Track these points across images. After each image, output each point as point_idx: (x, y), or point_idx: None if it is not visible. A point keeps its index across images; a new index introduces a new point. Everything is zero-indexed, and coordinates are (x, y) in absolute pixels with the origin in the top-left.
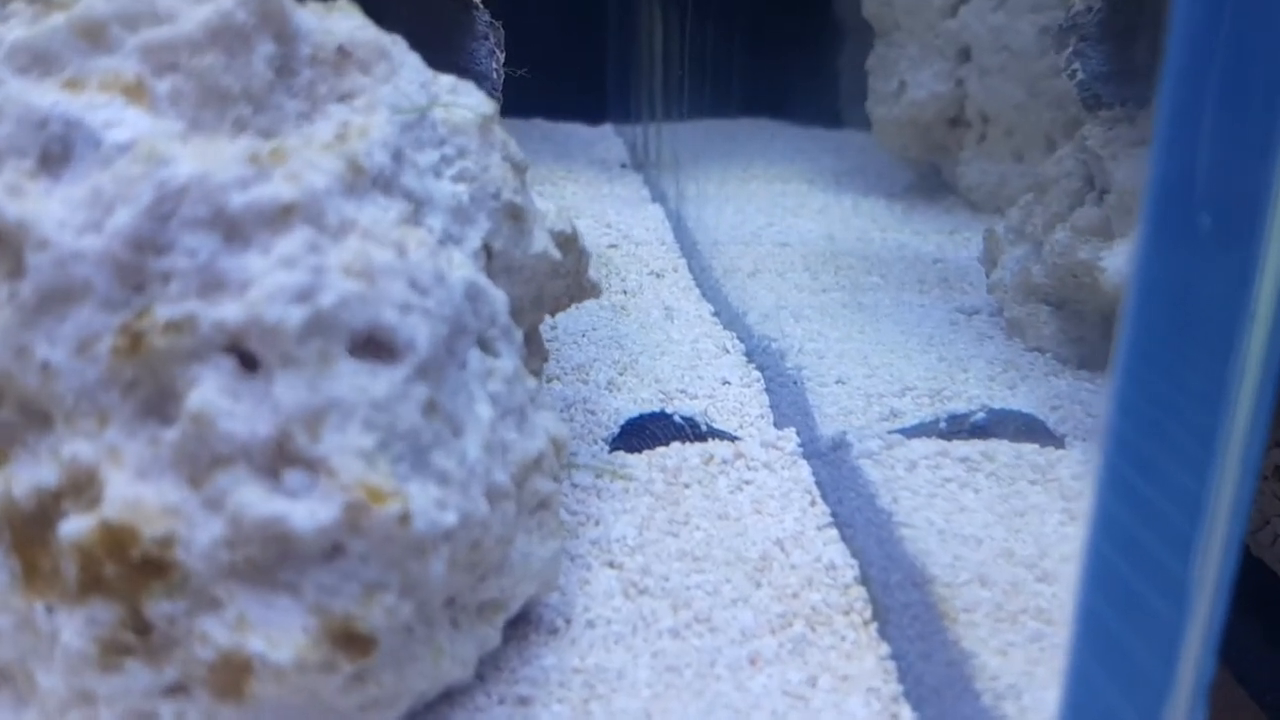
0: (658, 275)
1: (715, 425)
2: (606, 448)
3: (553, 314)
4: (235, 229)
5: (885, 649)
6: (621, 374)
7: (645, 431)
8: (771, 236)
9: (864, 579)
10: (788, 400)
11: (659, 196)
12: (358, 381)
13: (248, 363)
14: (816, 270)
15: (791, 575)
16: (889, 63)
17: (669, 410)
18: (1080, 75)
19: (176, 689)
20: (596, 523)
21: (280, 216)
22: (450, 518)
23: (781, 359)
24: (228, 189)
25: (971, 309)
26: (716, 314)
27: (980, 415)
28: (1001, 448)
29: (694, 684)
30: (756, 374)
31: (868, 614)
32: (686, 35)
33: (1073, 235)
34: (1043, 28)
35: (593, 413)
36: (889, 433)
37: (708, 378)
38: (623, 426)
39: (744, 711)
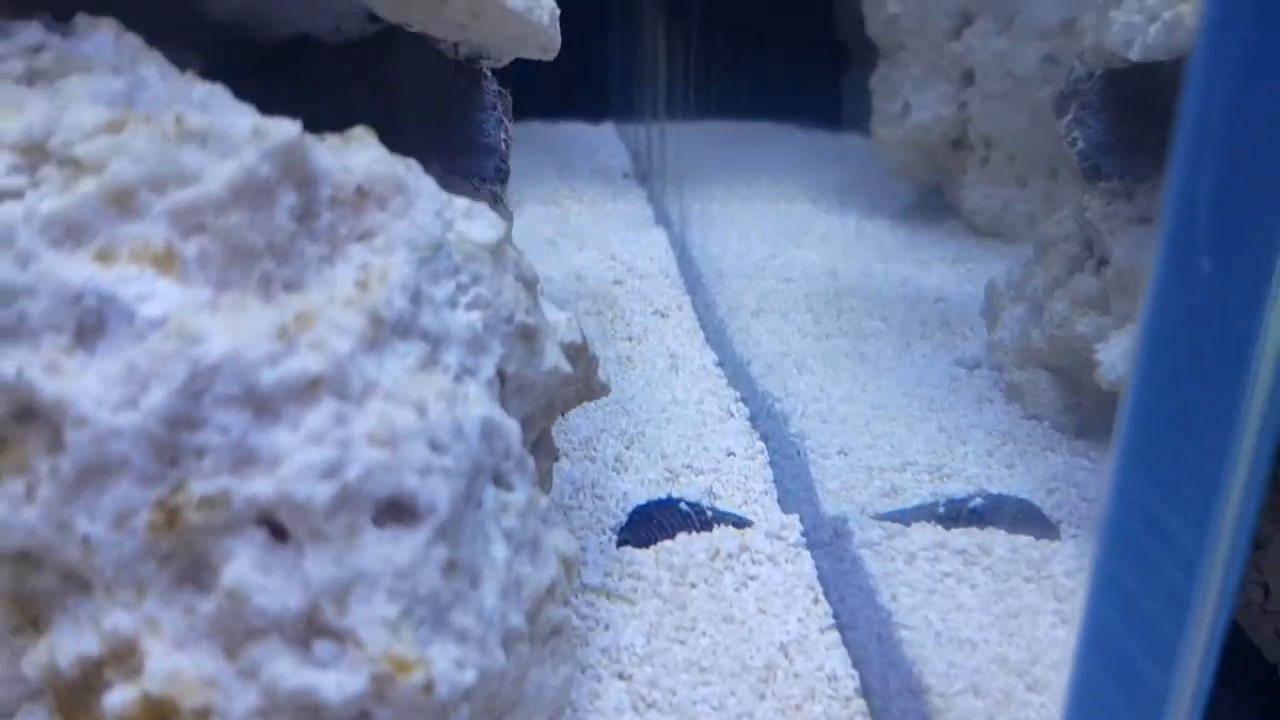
0: (662, 315)
1: (720, 508)
2: (614, 538)
3: (563, 414)
4: (265, 405)
5: None
6: (628, 448)
7: (652, 521)
8: (775, 270)
9: (864, 690)
10: (791, 474)
11: (662, 218)
12: (382, 551)
13: (278, 532)
14: (819, 312)
15: (795, 686)
16: (893, 83)
17: (675, 495)
18: (1080, 144)
19: None
20: (606, 628)
21: (308, 390)
22: (470, 676)
23: (785, 423)
24: (258, 366)
25: (973, 361)
26: (720, 364)
27: (978, 501)
28: (998, 539)
29: None
30: (760, 444)
31: None
32: (692, 35)
33: (1071, 307)
34: (1046, 55)
35: (600, 498)
36: (888, 514)
37: (713, 449)
38: (630, 515)
39: None
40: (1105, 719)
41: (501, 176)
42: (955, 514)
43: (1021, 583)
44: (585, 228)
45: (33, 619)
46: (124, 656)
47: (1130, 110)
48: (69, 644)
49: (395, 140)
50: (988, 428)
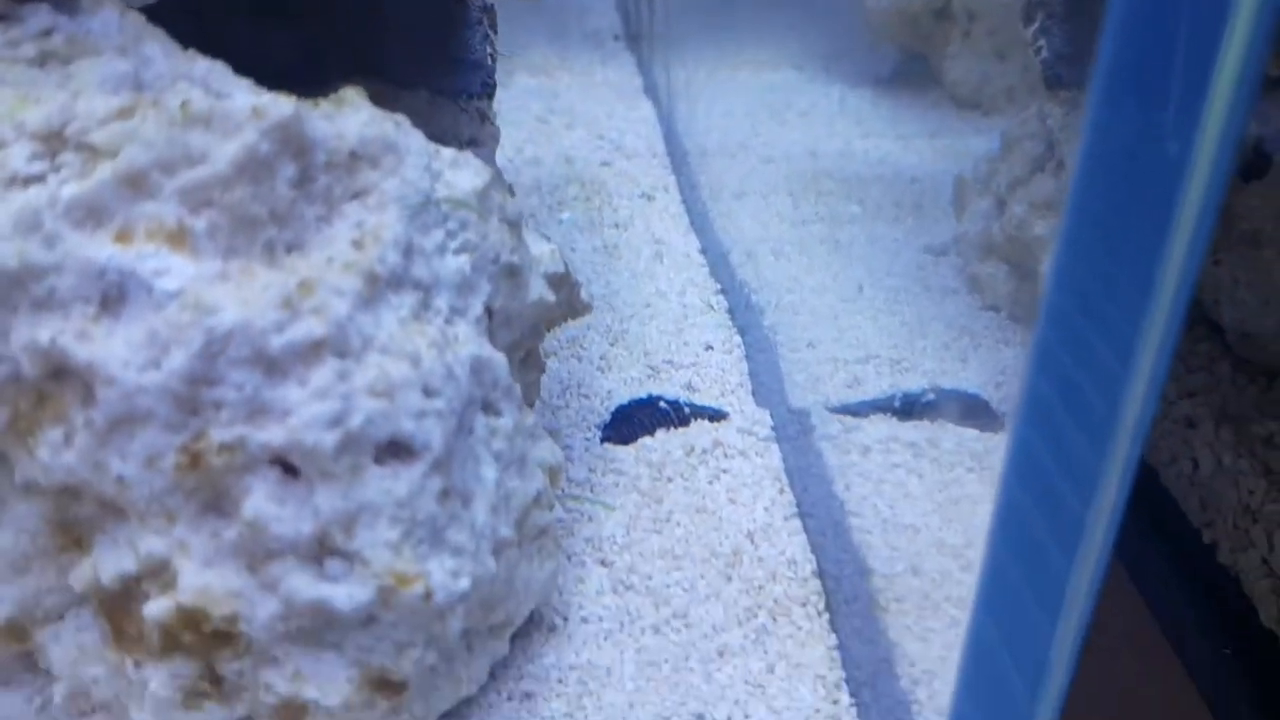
0: (649, 198)
1: (697, 403)
2: (598, 435)
3: (548, 331)
4: (274, 365)
5: (834, 639)
6: (612, 345)
7: (633, 419)
8: (757, 150)
9: (820, 572)
10: (765, 367)
11: (651, 88)
12: (383, 485)
13: (290, 470)
14: (799, 195)
15: (758, 569)
16: None
17: (655, 394)
18: (1045, 53)
19: None
20: (590, 520)
21: (312, 351)
22: (464, 584)
23: (760, 316)
24: (266, 333)
25: (941, 248)
26: (704, 251)
27: (930, 396)
28: (946, 433)
29: (670, 677)
30: (738, 338)
31: (821, 605)
32: None
33: (1029, 210)
34: None
35: (586, 397)
36: (848, 407)
37: (693, 343)
38: (613, 414)
39: (711, 702)
40: (1012, 595)
41: (489, 92)
42: (909, 407)
43: (964, 473)
44: (575, 102)
45: (76, 540)
46: (159, 573)
47: (1093, 22)
48: (110, 563)
49: (383, 64)
50: (947, 320)
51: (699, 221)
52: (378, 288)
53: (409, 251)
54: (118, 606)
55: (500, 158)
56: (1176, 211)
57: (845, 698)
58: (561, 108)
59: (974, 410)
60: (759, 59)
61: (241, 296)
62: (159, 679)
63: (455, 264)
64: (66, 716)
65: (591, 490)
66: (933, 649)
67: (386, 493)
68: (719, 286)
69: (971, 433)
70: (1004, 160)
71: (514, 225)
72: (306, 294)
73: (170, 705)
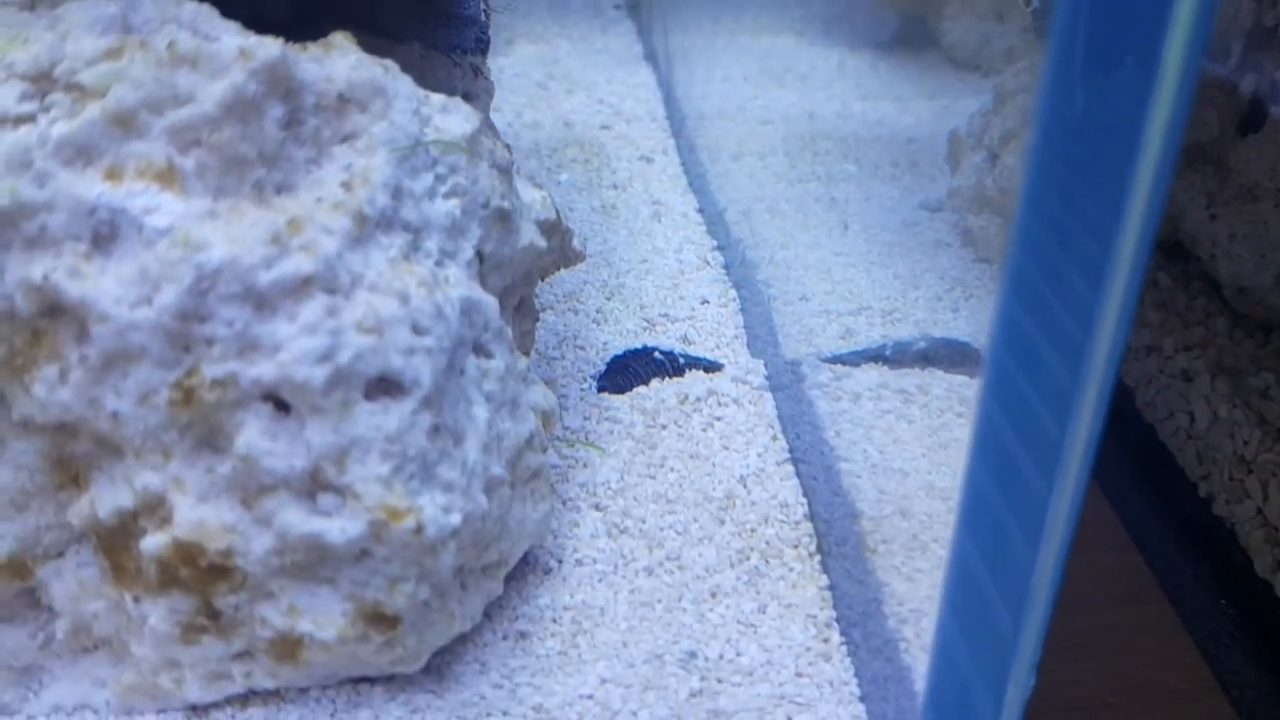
0: (648, 160)
1: (692, 354)
2: (594, 385)
3: (543, 279)
4: (264, 301)
5: (825, 580)
6: (609, 299)
7: (629, 370)
8: (755, 112)
9: (812, 515)
10: (760, 319)
11: (651, 54)
12: (373, 420)
13: (281, 406)
14: (795, 156)
15: (751, 513)
16: None
17: (650, 345)
18: (1035, 3)
19: (244, 655)
20: (585, 466)
21: (301, 287)
22: (455, 520)
23: (755, 271)
24: (255, 269)
25: (936, 204)
26: (701, 210)
27: (921, 344)
28: (936, 379)
29: (663, 617)
30: (733, 291)
31: (813, 547)
32: None
33: (1021, 160)
34: None
35: (582, 348)
36: (840, 357)
37: (689, 297)
38: (608, 364)
39: (703, 640)
40: (992, 521)
41: (482, 47)
42: (900, 356)
43: (953, 418)
44: (575, 69)
45: (74, 477)
46: (155, 508)
47: None
48: (107, 499)
49: (376, 18)
50: (940, 272)
51: (697, 182)
52: (366, 228)
53: (398, 194)
54: (116, 542)
55: (499, 122)
56: (1141, 138)
57: (836, 636)
58: (561, 74)
59: (965, 357)
60: (759, 24)
61: (230, 234)
62: (157, 614)
63: (445, 208)
64: (69, 652)
65: (586, 438)
66: (920, 589)
67: (377, 428)
68: (715, 244)
69: (961, 379)
70: (997, 114)
71: (504, 171)
72: (295, 231)
73: (169, 640)
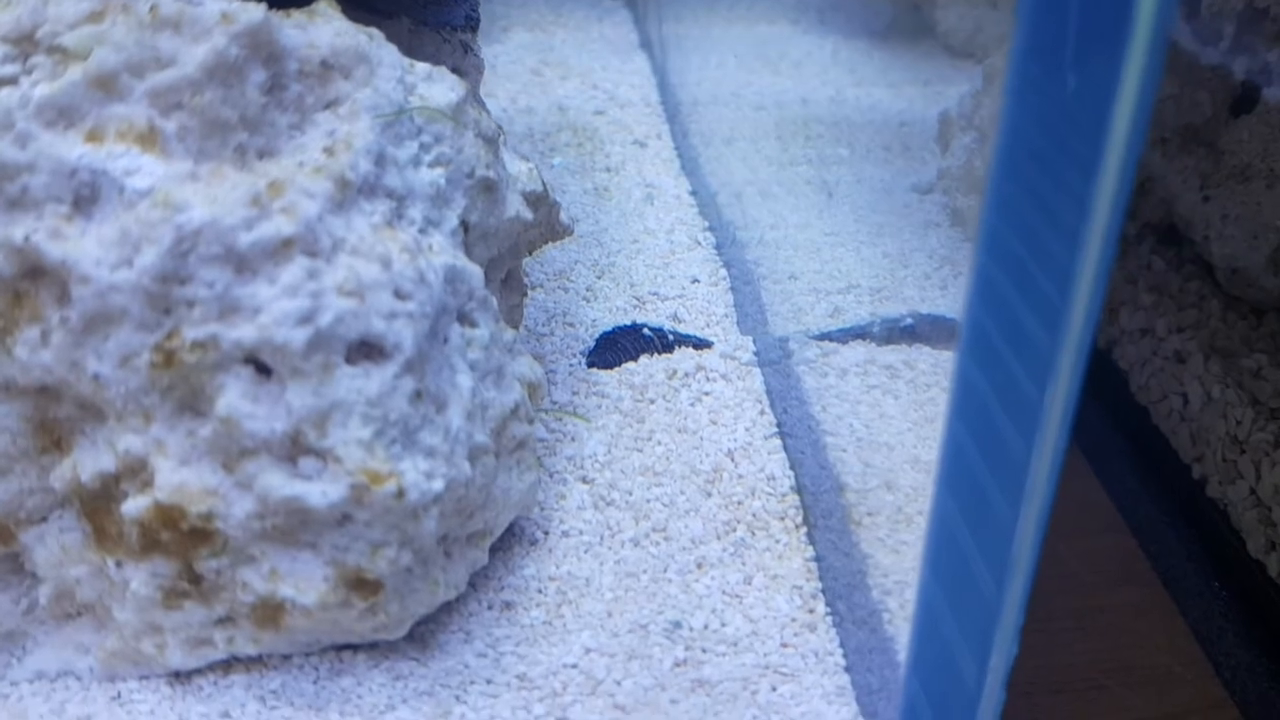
0: (641, 145)
1: (681, 331)
2: (583, 361)
3: (531, 254)
4: (244, 263)
5: (811, 551)
6: (599, 278)
7: (617, 345)
8: (749, 98)
9: (799, 488)
10: (749, 298)
11: (646, 42)
12: (355, 384)
13: (262, 369)
14: (788, 140)
15: (738, 485)
16: None
17: (639, 322)
18: None
19: (226, 621)
20: (572, 439)
21: (281, 249)
22: (438, 485)
23: (745, 251)
24: (235, 230)
25: (926, 186)
26: (694, 193)
27: (909, 321)
28: (923, 355)
29: (649, 587)
30: (723, 271)
31: (799, 520)
32: None
33: None
34: None
35: (571, 325)
36: (828, 334)
37: (679, 276)
38: (597, 340)
39: (688, 611)
40: (971, 483)
41: (472, 25)
42: (888, 333)
43: (939, 393)
44: (570, 55)
45: (56, 441)
46: (137, 472)
47: None
48: (89, 462)
49: None
50: (929, 251)
51: (690, 166)
52: (349, 193)
53: (381, 161)
54: (98, 506)
55: (494, 107)
56: (1110, 110)
57: (821, 607)
58: (556, 60)
59: (952, 334)
60: (753, 13)
61: (211, 195)
62: (139, 578)
63: (429, 176)
64: (52, 618)
65: (574, 410)
66: (905, 560)
67: (358, 392)
68: (707, 225)
69: (947, 354)
70: (986, 94)
71: (490, 141)
72: (276, 194)
73: (151, 604)
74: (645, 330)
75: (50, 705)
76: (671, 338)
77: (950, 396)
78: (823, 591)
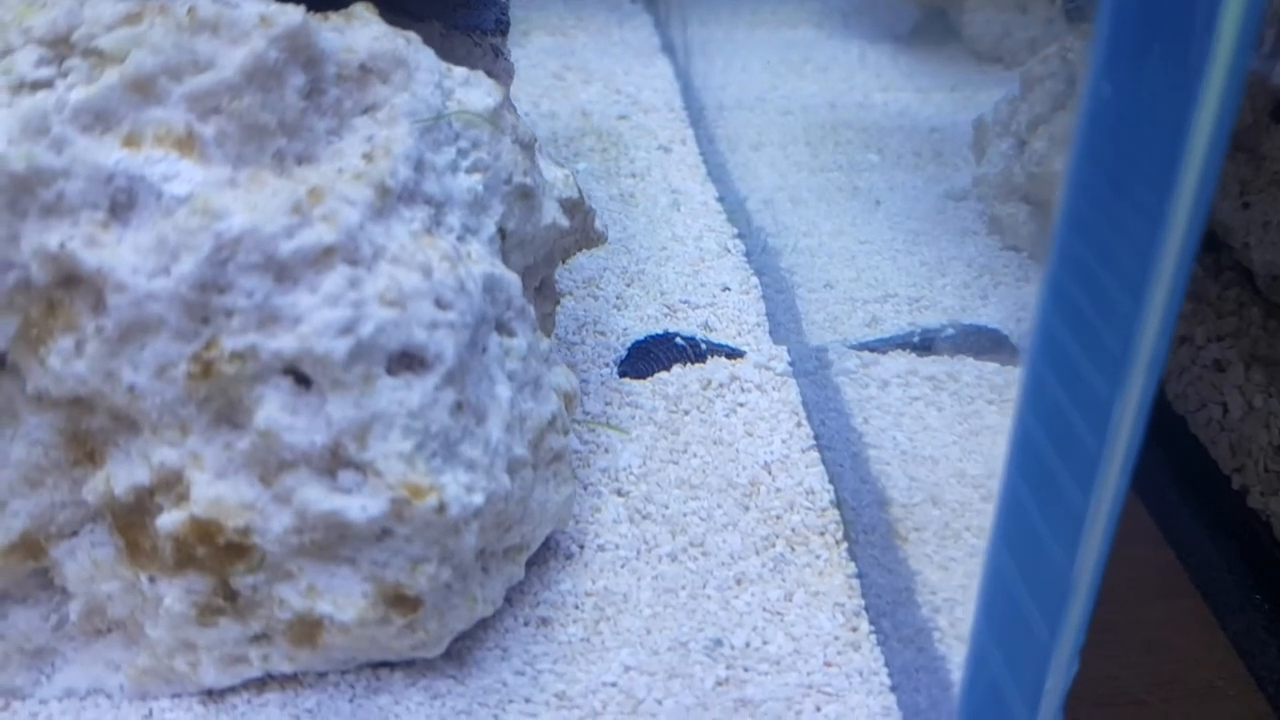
0: (666, 150)
1: (713, 340)
2: (615, 370)
3: (564, 262)
4: (285, 271)
5: (853, 568)
6: (629, 286)
7: (650, 355)
8: (775, 102)
9: (838, 502)
10: (782, 307)
11: (668, 46)
12: (396, 395)
13: (302, 380)
14: (817, 145)
15: (776, 499)
16: None
17: (672, 330)
18: None
19: (261, 638)
20: (606, 451)
21: (322, 258)
22: (478, 499)
23: (777, 258)
24: (276, 238)
25: (961, 193)
26: (721, 199)
27: (950, 331)
28: (966, 366)
29: (688, 604)
30: (755, 279)
31: (840, 535)
32: None
33: (1051, 145)
34: None
35: (602, 334)
36: (867, 344)
37: (709, 284)
38: (629, 350)
39: (729, 628)
40: (1029, 529)
41: (502, 29)
42: (929, 343)
43: (984, 405)
44: (591, 60)
45: (89, 454)
46: (172, 485)
47: None
48: (123, 475)
49: None
50: (968, 259)
51: (716, 172)
52: (389, 200)
53: (420, 167)
54: (131, 520)
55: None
56: (1186, 142)
57: (865, 625)
58: (578, 65)
59: (994, 345)
60: (777, 17)
61: (251, 202)
62: (174, 594)
63: (467, 182)
64: (82, 634)
65: (608, 423)
66: (954, 577)
67: (399, 403)
68: (736, 231)
69: (992, 366)
70: (1024, 100)
71: (527, 147)
72: (316, 201)
73: (185, 621)
74: (678, 339)
75: None
76: (704, 347)
77: (1009, 444)
78: (865, 609)
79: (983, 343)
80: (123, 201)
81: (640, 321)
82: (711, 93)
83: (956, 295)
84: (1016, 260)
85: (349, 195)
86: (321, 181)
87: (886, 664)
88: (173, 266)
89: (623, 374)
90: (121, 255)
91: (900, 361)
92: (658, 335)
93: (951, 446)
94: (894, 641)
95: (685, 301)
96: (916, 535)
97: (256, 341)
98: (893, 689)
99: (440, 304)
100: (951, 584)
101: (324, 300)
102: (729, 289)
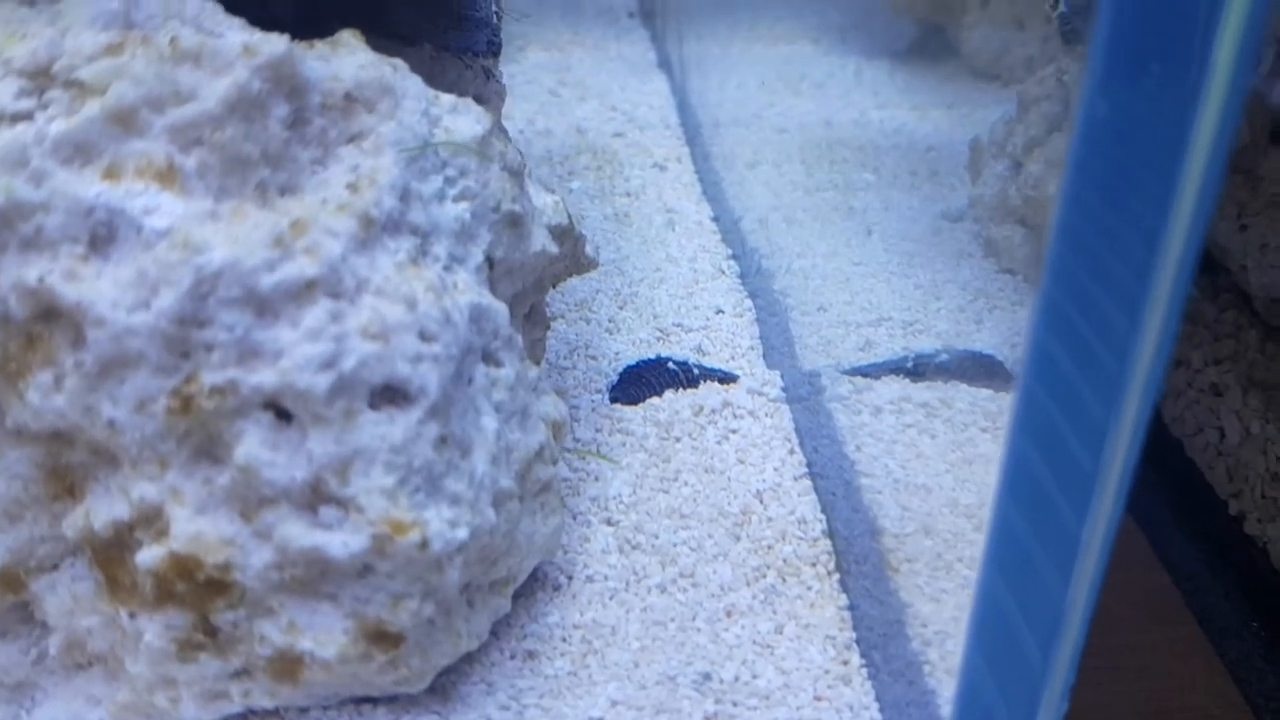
0: (661, 168)
1: (706, 365)
2: (606, 396)
3: (553, 287)
4: (265, 305)
5: (844, 599)
6: (621, 309)
7: (642, 380)
8: (771, 120)
9: (830, 532)
10: (775, 330)
11: (665, 62)
12: (378, 430)
13: (283, 415)
14: (812, 164)
15: (767, 529)
16: None
17: (664, 355)
18: (1062, 7)
19: (242, 673)
20: (596, 479)
21: (304, 292)
22: (462, 534)
23: (771, 280)
24: (257, 271)
25: (957, 214)
26: (716, 219)
27: (944, 357)
28: (960, 393)
29: (677, 636)
30: (749, 301)
31: (831, 565)
32: None
33: (1047, 168)
34: None
35: (594, 358)
36: (860, 369)
37: (703, 307)
38: (621, 375)
39: (718, 662)
40: (1022, 555)
41: (494, 50)
42: (922, 369)
43: (978, 433)
44: (587, 75)
45: (69, 488)
46: (152, 520)
47: None
48: (102, 510)
49: (386, 19)
50: (962, 283)
51: (712, 190)
52: (373, 231)
53: (406, 196)
54: (111, 556)
55: (511, 129)
56: (1184, 162)
57: (856, 658)
58: (574, 81)
59: (988, 371)
60: (774, 33)
61: (232, 235)
62: (153, 630)
63: (454, 211)
64: (62, 669)
65: (598, 450)
66: (945, 610)
67: (381, 438)
68: (731, 252)
69: (986, 393)
70: (1020, 121)
71: (515, 174)
72: (299, 234)
73: (165, 657)
74: (670, 364)
75: None
76: (697, 372)
77: (1001, 469)
78: (857, 642)
79: (977, 369)
80: (103, 235)
81: (632, 345)
82: (707, 109)
83: (951, 319)
84: (1012, 283)
85: (332, 227)
86: (304, 213)
87: (877, 698)
88: (152, 301)
89: (614, 399)
90: (101, 289)
91: (894, 387)
92: (650, 360)
93: (944, 475)
94: (885, 675)
95: (678, 325)
96: (908, 566)
97: (237, 376)
98: None
99: (424, 336)
100: (943, 616)
101: (305, 335)
102: (723, 311)
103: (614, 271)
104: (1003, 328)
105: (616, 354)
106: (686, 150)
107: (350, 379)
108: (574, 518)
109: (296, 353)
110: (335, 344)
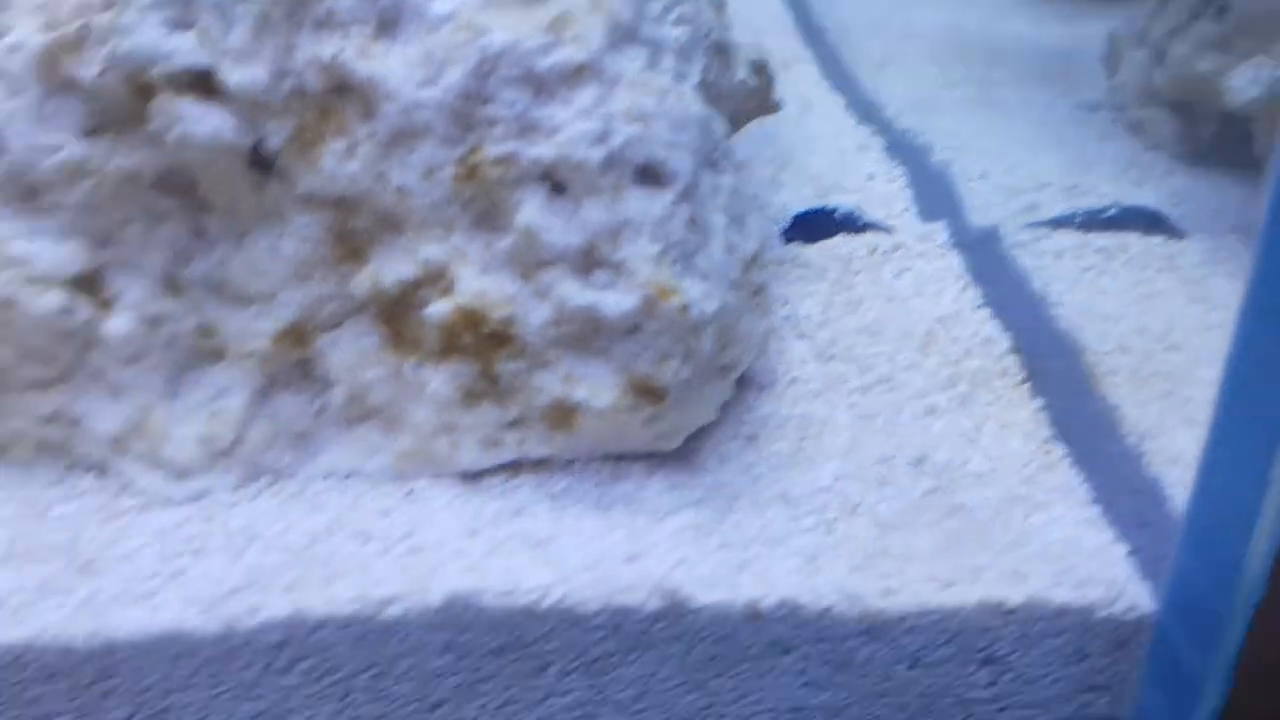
0: (785, 66)
1: (869, 218)
2: (780, 238)
3: (741, 126)
4: (542, 85)
5: (1039, 403)
6: (780, 170)
7: (812, 225)
8: (897, 26)
9: (1016, 349)
10: (930, 196)
11: None
12: (642, 205)
13: (556, 187)
14: (944, 64)
15: (953, 347)
16: None
17: (830, 205)
18: None
19: (518, 423)
20: (785, 302)
21: (575, 75)
22: (713, 305)
23: (925, 154)
24: (534, 54)
25: (1093, 105)
26: (849, 107)
27: (1113, 210)
28: (1133, 239)
29: (886, 428)
30: (899, 169)
31: (1020, 377)
32: None
33: (1193, 49)
34: None
35: (761, 207)
36: (1032, 224)
37: (855, 173)
38: (793, 219)
39: (929, 448)
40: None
41: None
42: (1092, 222)
43: (1155, 273)
44: None
45: (354, 251)
46: (437, 279)
47: None
48: (390, 269)
49: None
50: (1113, 156)
51: (841, 84)
52: (619, 34)
53: (638, 12)
54: (396, 312)
55: None
56: None
57: (1058, 451)
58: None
59: (1156, 222)
60: None
61: (507, 22)
62: (439, 379)
63: (675, 33)
64: (343, 420)
65: (785, 280)
66: (1150, 413)
67: (644, 212)
68: (872, 130)
69: (1158, 239)
70: (1158, 17)
71: (719, 8)
72: (564, 26)
73: (449, 404)
74: (838, 213)
75: (346, 500)
76: (862, 222)
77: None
78: (1056, 437)
79: (1145, 221)
80: (389, 18)
81: (797, 200)
82: (829, 14)
83: (1111, 183)
84: (1160, 158)
85: (590, 23)
86: (565, 11)
87: (1087, 481)
88: (439, 78)
89: (789, 239)
90: (391, 66)
91: (1069, 237)
92: (818, 209)
93: (1130, 306)
94: (1091, 464)
95: (836, 185)
96: (1110, 379)
97: (517, 148)
98: (1095, 502)
99: (674, 125)
100: (1149, 418)
101: (578, 113)
102: (874, 178)
103: (765, 141)
104: (1162, 191)
105: (783, 204)
106: (808, 53)
107: (618, 155)
108: (769, 333)
109: (571, 129)
110: (604, 123)
